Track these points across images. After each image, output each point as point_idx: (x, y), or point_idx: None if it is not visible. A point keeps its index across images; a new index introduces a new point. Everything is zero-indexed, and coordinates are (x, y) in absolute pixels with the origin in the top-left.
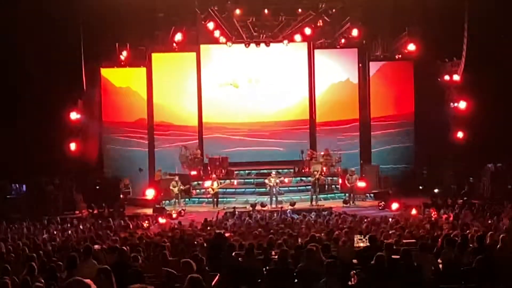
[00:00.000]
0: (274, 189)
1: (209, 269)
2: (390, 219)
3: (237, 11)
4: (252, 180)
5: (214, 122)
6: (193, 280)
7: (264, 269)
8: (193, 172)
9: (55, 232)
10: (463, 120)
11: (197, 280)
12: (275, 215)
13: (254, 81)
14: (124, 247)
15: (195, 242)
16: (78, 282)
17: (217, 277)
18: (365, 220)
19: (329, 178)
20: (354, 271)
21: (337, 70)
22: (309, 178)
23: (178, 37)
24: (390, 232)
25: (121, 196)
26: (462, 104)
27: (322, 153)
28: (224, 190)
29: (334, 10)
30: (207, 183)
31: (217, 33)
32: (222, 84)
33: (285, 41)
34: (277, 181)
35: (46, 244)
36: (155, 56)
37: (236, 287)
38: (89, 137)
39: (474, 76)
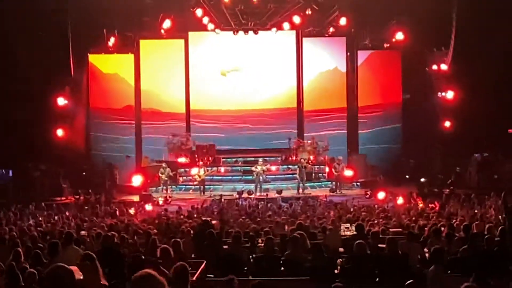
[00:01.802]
0: (260, 177)
1: (195, 256)
2: (377, 207)
3: None
4: (239, 167)
5: (202, 110)
6: (178, 269)
7: (250, 257)
8: (180, 159)
9: (40, 219)
10: (451, 109)
11: (181, 269)
12: (262, 203)
13: (242, 69)
14: (110, 234)
15: (181, 230)
16: (60, 268)
17: (203, 264)
18: (352, 209)
19: (316, 166)
20: (341, 260)
21: (325, 58)
22: (296, 166)
23: (166, 23)
24: (377, 221)
25: (109, 182)
26: (450, 94)
27: (309, 141)
28: (211, 177)
29: None
30: (194, 171)
31: (205, 20)
32: (210, 71)
33: (274, 29)
34: (264, 168)
35: (32, 230)
36: (143, 43)
37: (222, 275)
38: (76, 123)
39: (462, 66)
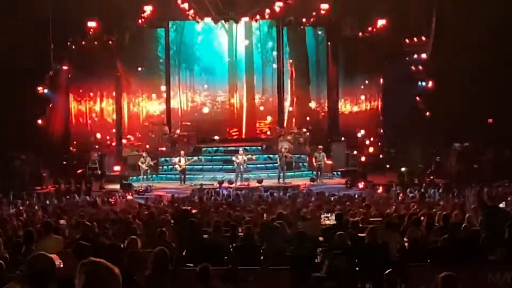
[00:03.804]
0: (241, 167)
1: (175, 246)
2: (357, 197)
3: None
4: (219, 157)
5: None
6: (157, 254)
7: (230, 246)
8: (161, 149)
9: (21, 208)
10: (431, 99)
11: (161, 254)
12: (242, 192)
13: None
14: (90, 223)
15: (162, 219)
16: (41, 256)
17: (183, 253)
18: (332, 198)
19: (297, 156)
20: (320, 249)
21: (305, 47)
22: (277, 156)
23: (147, 12)
24: (357, 211)
25: (89, 171)
26: (430, 83)
27: (291, 130)
28: (192, 166)
29: None
30: (175, 160)
31: (186, 9)
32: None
33: (255, 18)
34: (245, 158)
35: (12, 219)
36: (124, 31)
37: (203, 264)
38: (56, 112)
39: (442, 55)
